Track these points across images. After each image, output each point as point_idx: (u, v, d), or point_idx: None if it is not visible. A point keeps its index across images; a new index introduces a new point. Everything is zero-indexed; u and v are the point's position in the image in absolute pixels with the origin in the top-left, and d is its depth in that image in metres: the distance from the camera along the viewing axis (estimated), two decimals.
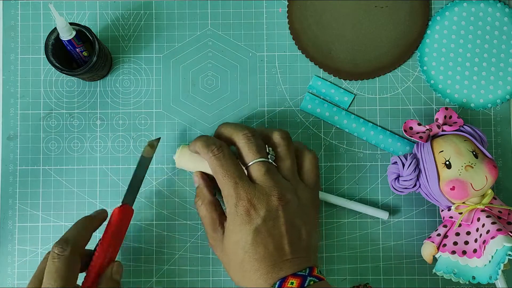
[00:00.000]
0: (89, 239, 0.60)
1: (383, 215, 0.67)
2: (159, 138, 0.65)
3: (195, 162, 0.64)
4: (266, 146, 0.62)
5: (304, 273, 0.58)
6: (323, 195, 0.66)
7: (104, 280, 0.59)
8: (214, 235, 0.62)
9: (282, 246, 0.59)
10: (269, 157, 0.61)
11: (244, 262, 0.59)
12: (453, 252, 0.61)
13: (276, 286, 0.57)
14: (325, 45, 0.68)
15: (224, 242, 0.61)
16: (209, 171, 0.63)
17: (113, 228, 0.61)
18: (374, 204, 0.68)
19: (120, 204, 0.62)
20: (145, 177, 0.64)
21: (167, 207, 0.67)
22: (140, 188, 0.65)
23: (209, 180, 0.64)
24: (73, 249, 0.57)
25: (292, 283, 0.56)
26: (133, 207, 0.62)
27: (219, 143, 0.61)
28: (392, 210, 0.68)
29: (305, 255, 0.60)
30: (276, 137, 0.63)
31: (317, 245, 0.62)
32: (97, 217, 0.61)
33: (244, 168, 0.61)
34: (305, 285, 0.57)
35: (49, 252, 0.58)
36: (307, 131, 0.68)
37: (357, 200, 0.68)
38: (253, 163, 0.60)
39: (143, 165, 0.63)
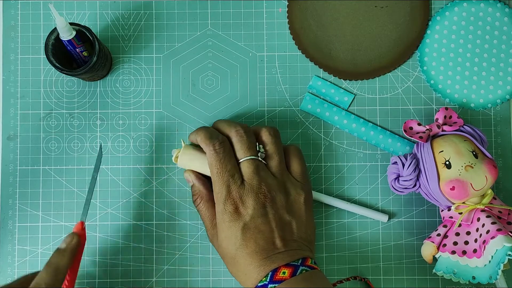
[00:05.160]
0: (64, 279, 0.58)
1: (382, 218, 0.67)
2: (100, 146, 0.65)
3: (197, 161, 0.64)
4: (257, 143, 0.63)
5: (296, 263, 0.58)
6: (323, 197, 0.66)
7: None
8: (213, 231, 0.63)
9: (273, 241, 0.60)
10: (259, 154, 0.62)
11: (237, 257, 0.60)
12: (453, 252, 0.61)
13: (269, 276, 0.58)
14: (325, 45, 0.68)
15: (218, 237, 0.61)
16: (206, 172, 0.64)
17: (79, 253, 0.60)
18: (374, 204, 0.68)
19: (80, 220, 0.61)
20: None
21: (167, 207, 0.67)
22: (141, 188, 0.65)
23: (203, 178, 0.64)
24: None
25: (284, 273, 0.57)
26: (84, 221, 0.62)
27: (222, 138, 0.62)
28: (392, 210, 0.68)
29: (298, 247, 0.60)
30: (264, 134, 0.63)
31: (312, 237, 0.63)
32: (69, 250, 0.59)
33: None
34: (297, 274, 0.57)
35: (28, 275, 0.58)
36: (307, 131, 0.68)
37: (357, 200, 0.68)
38: (244, 160, 0.61)
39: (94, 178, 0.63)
